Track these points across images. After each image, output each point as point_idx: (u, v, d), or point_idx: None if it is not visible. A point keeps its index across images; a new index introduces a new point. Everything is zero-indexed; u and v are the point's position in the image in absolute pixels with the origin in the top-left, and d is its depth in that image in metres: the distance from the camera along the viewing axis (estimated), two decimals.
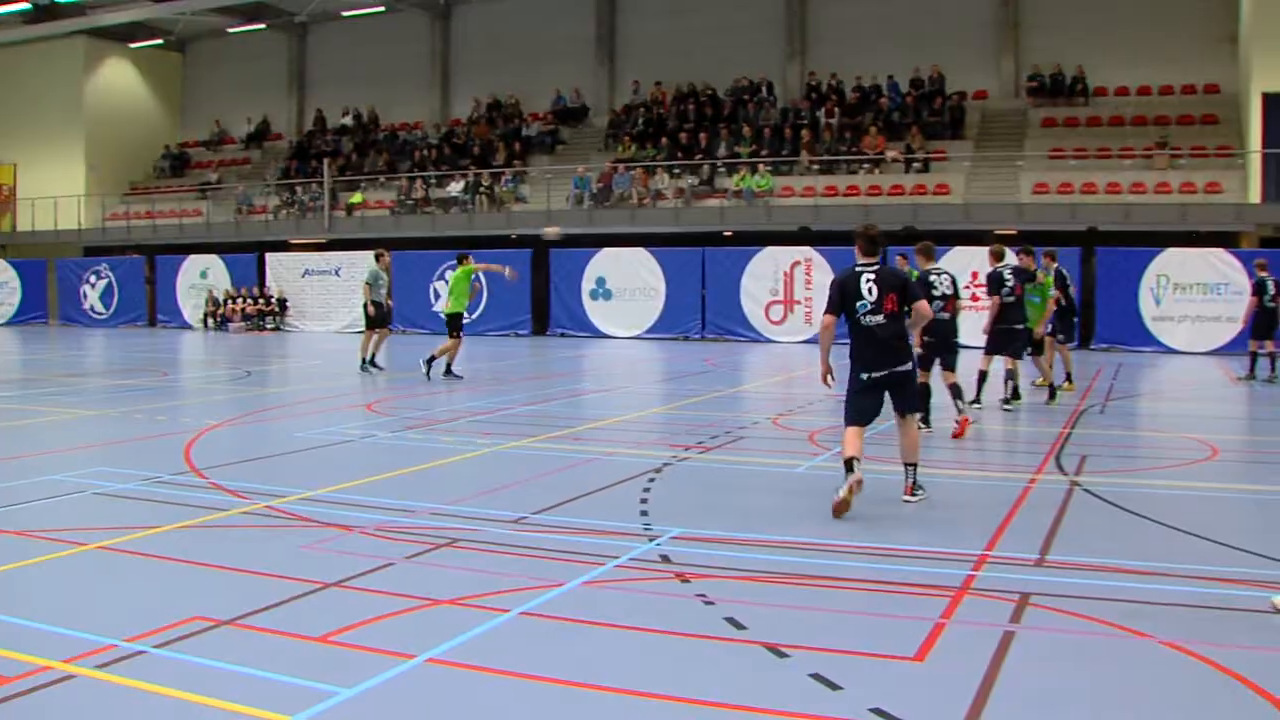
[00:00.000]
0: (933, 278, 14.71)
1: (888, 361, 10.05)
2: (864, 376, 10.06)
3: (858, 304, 10.03)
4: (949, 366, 14.81)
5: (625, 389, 20.71)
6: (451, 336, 21.59)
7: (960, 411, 14.63)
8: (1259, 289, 22.19)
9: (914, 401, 10.65)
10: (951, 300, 14.77)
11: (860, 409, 10.07)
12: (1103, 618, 6.88)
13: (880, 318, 10.03)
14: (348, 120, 48.35)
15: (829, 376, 10.23)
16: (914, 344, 11.42)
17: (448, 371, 21.47)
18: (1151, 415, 18.66)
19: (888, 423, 11.07)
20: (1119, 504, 10.32)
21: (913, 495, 10.43)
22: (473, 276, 21.89)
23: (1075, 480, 11.47)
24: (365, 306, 24.36)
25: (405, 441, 14.06)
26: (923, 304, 10.37)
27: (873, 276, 10.12)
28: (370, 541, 8.72)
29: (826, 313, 10.11)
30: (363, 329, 25.27)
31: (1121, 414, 17.69)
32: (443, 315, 22.04)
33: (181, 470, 11.82)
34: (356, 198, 42.98)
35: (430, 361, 21.44)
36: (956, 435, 14.18)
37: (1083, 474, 11.86)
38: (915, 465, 10.55)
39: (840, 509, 9.58)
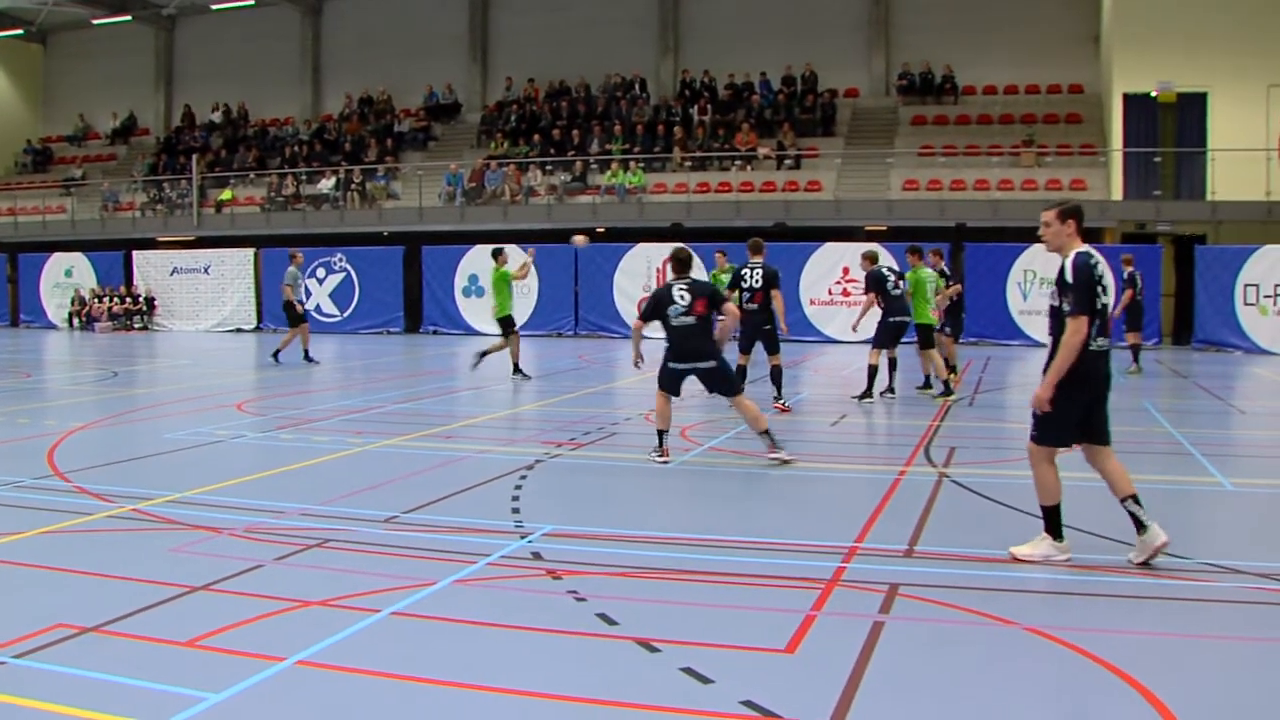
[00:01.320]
0: (745, 270, 16.60)
1: (693, 357, 12.21)
2: (672, 366, 12.36)
3: (669, 309, 12.13)
4: (772, 351, 16.67)
5: (498, 386, 20.63)
6: (505, 336, 21.31)
7: (778, 399, 16.55)
8: (1130, 283, 22.93)
9: (730, 386, 12.35)
10: (759, 293, 16.39)
11: (671, 383, 12.44)
12: (970, 606, 7.02)
13: (690, 319, 12.13)
14: (217, 116, 47.53)
15: (639, 361, 12.89)
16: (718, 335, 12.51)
17: (516, 370, 21.21)
18: (1019, 407, 18.97)
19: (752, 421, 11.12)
20: (986, 494, 10.54)
21: (777, 452, 12.01)
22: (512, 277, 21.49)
23: (944, 472, 11.67)
24: (288, 306, 25.44)
25: (276, 441, 13.87)
26: (730, 305, 12.52)
27: (685, 287, 12.24)
28: (239, 543, 8.59)
29: (640, 319, 12.65)
30: (287, 327, 26.25)
31: (990, 406, 18.04)
32: (494, 319, 21.66)
33: (45, 474, 11.54)
34: (226, 194, 42.29)
35: (482, 356, 21.49)
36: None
37: (951, 465, 12.07)
38: (766, 431, 12.11)
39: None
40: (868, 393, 17.71)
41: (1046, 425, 8.02)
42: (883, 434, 15.32)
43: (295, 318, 25.47)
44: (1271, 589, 7.52)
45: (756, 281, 16.41)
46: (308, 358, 24.87)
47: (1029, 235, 30.69)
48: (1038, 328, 30.33)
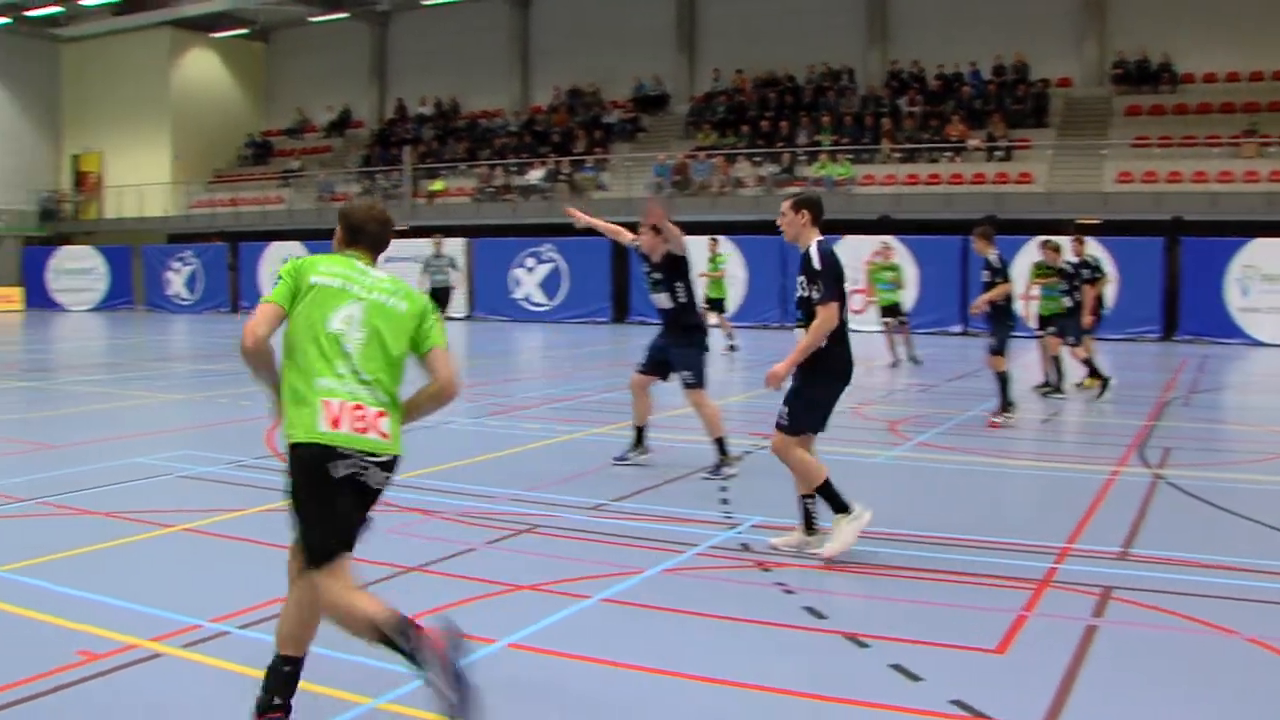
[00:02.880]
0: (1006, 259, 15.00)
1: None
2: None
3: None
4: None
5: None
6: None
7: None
8: None
9: None
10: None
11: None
12: (1187, 613, 6.81)
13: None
14: (428, 109, 48.66)
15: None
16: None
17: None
18: (1238, 408, 18.39)
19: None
20: (1204, 498, 10.18)
21: None
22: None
23: (1159, 473, 11.32)
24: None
25: (486, 428, 14.14)
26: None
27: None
28: (452, 526, 8.80)
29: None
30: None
31: (1207, 407, 17.44)
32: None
33: (265, 455, 11.97)
34: (437, 185, 43.27)
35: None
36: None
37: (1167, 467, 11.69)
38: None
39: None
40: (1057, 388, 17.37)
41: (800, 415, 8.07)
42: (1095, 432, 14.92)
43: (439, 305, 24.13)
44: None
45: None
46: None
47: (1250, 229, 29.70)
48: (1258, 325, 29.29)
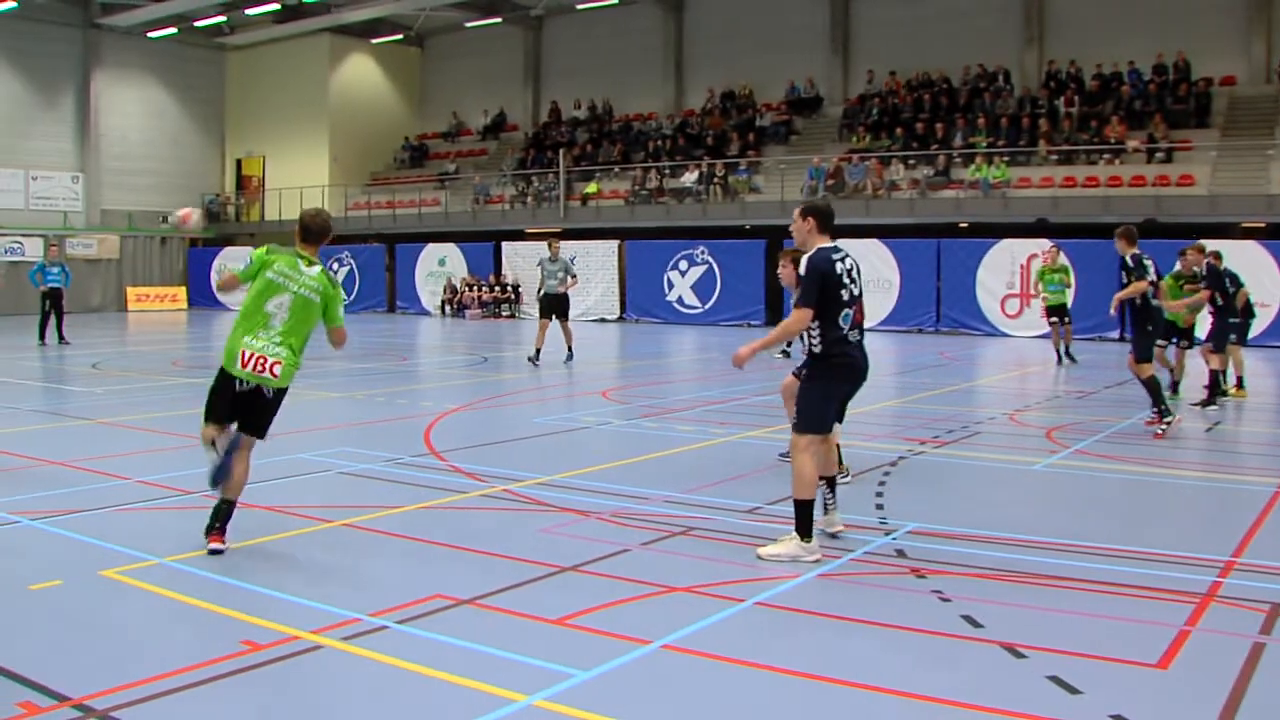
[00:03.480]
0: (1146, 260, 14.35)
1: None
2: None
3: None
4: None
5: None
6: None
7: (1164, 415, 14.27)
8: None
9: None
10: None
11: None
12: None
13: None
14: (582, 112, 49.05)
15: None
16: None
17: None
18: None
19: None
20: None
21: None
22: None
23: None
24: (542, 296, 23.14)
25: (640, 429, 14.23)
26: None
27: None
28: (606, 527, 8.87)
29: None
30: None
31: None
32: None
33: (421, 452, 12.20)
34: (592, 187, 43.59)
35: None
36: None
37: None
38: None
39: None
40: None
41: (804, 414, 8.13)
42: (1260, 443, 14.50)
43: (549, 310, 22.85)
44: None
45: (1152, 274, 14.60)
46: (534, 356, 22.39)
47: None
48: None
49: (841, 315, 8.12)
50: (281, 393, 8.26)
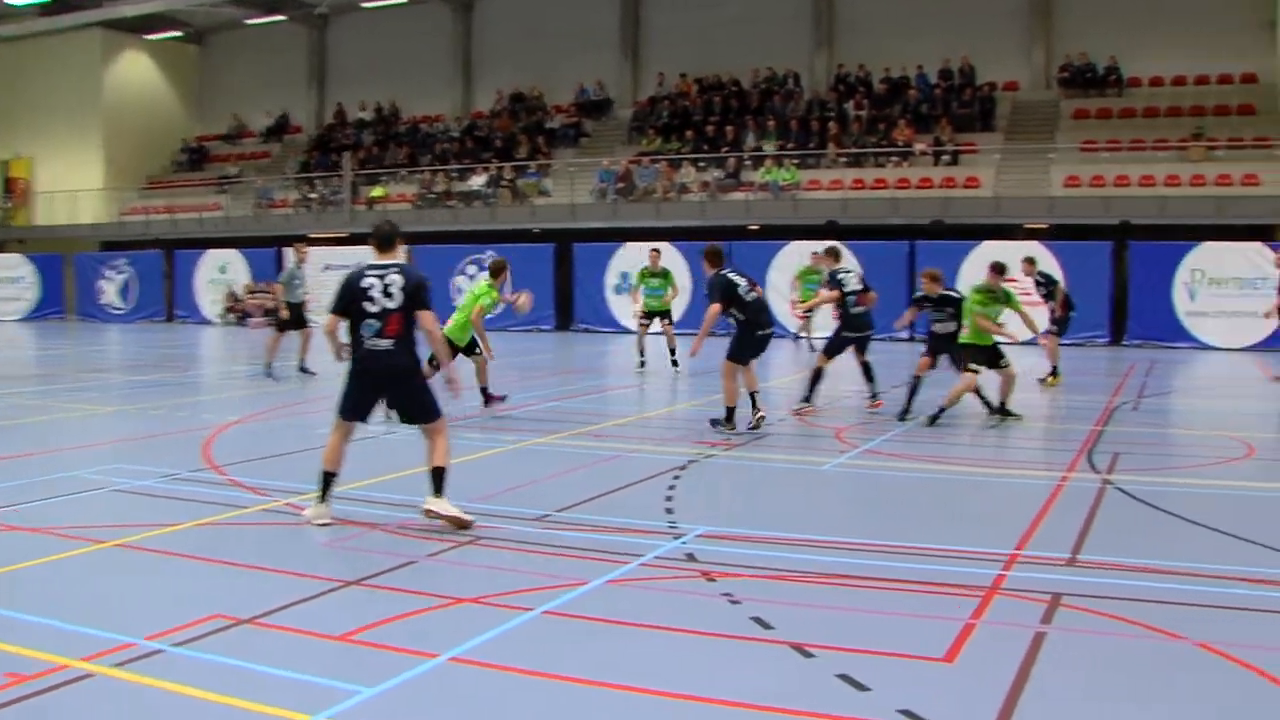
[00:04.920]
0: (841, 275, 17.00)
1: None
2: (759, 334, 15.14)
3: (739, 290, 14.87)
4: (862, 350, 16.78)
5: (650, 385, 20.73)
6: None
7: (875, 396, 16.54)
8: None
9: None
10: (862, 294, 16.66)
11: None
12: (1136, 619, 6.88)
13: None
14: (368, 114, 48.42)
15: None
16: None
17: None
18: (1186, 413, 18.62)
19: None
20: (1153, 503, 10.30)
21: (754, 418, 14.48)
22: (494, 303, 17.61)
23: (1108, 479, 11.44)
24: (278, 310, 22.93)
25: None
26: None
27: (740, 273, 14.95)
28: (392, 539, 8.76)
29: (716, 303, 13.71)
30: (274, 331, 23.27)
31: (1155, 412, 17.63)
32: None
33: (200, 467, 11.88)
34: (378, 191, 43.09)
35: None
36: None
37: (1115, 472, 11.83)
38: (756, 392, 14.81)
39: None
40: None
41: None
42: (1044, 439, 15.05)
43: (284, 322, 22.78)
44: None
45: (857, 284, 16.93)
46: (302, 369, 21.97)
47: (1197, 233, 30.05)
48: (1207, 330, 29.57)
49: (375, 325, 9.16)
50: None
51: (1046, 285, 20.59)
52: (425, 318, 9.32)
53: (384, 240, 9.59)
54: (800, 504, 10.46)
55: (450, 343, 15.50)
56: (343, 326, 9.28)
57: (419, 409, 9.39)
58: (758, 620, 6.78)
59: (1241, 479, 11.89)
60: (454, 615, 6.93)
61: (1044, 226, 32.33)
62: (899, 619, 6.93)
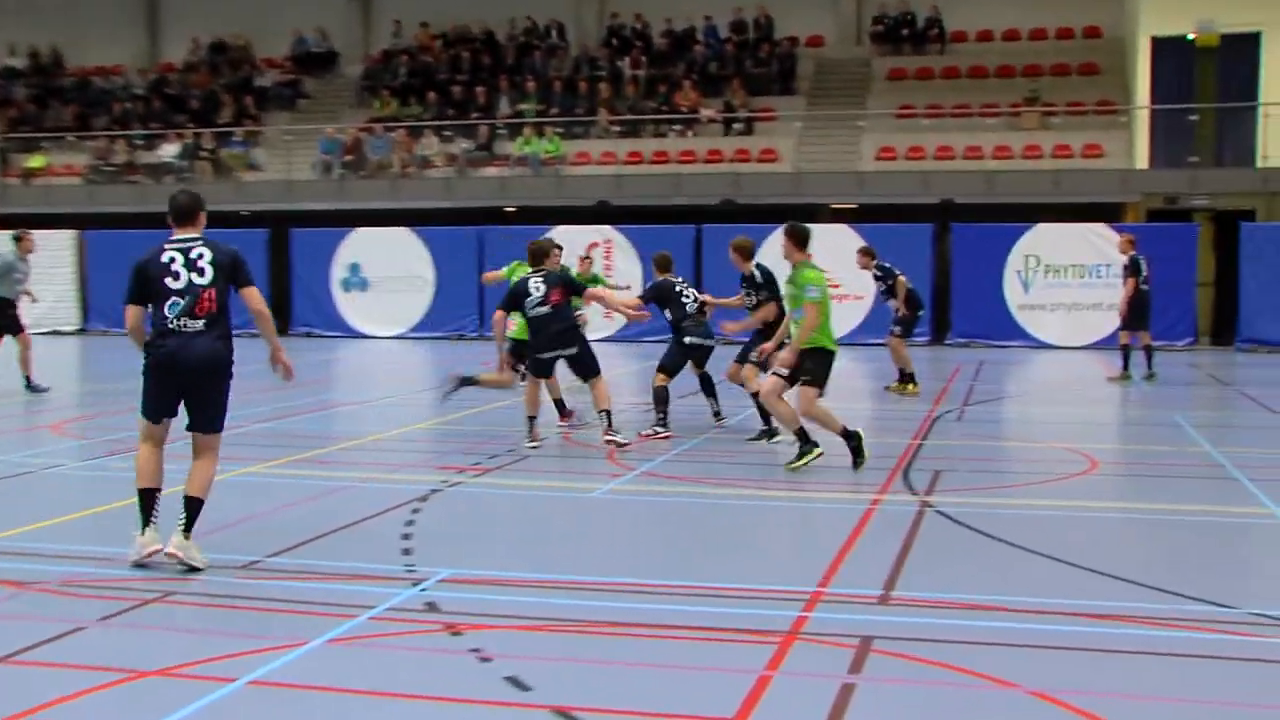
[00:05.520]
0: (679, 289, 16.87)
1: (556, 344, 15.04)
2: (538, 356, 15.15)
3: (525, 301, 14.85)
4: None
5: (385, 400, 20.59)
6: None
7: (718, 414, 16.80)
8: (1133, 270, 22.62)
9: (588, 369, 15.20)
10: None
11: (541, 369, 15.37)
12: (959, 663, 7.04)
13: (546, 308, 14.79)
14: (19, 61, 46.80)
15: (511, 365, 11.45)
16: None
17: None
18: (1019, 422, 19.23)
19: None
20: (979, 528, 10.59)
21: (613, 435, 14.82)
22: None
23: (927, 501, 11.73)
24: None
25: (104, 471, 13.69)
26: (597, 290, 15.92)
27: (540, 278, 14.98)
28: (53, 600, 8.47)
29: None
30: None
31: (983, 421, 18.18)
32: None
33: None
34: (36, 161, 41.77)
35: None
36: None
37: (936, 493, 12.14)
38: (608, 412, 14.98)
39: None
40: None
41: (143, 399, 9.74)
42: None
43: (11, 324, 21.30)
44: None
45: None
46: (31, 386, 20.87)
47: (1032, 213, 31.01)
48: (1043, 326, 30.50)
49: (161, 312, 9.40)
50: None
51: (885, 280, 21.12)
52: (252, 296, 9.57)
53: (182, 212, 9.61)
54: (565, 539, 10.47)
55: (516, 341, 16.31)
56: (142, 317, 9.50)
57: (208, 415, 9.61)
58: (513, 681, 6.76)
59: (1080, 498, 12.31)
60: (136, 692, 6.73)
61: (853, 206, 32.97)
62: (682, 673, 6.97)
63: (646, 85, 38.86)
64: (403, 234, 34.90)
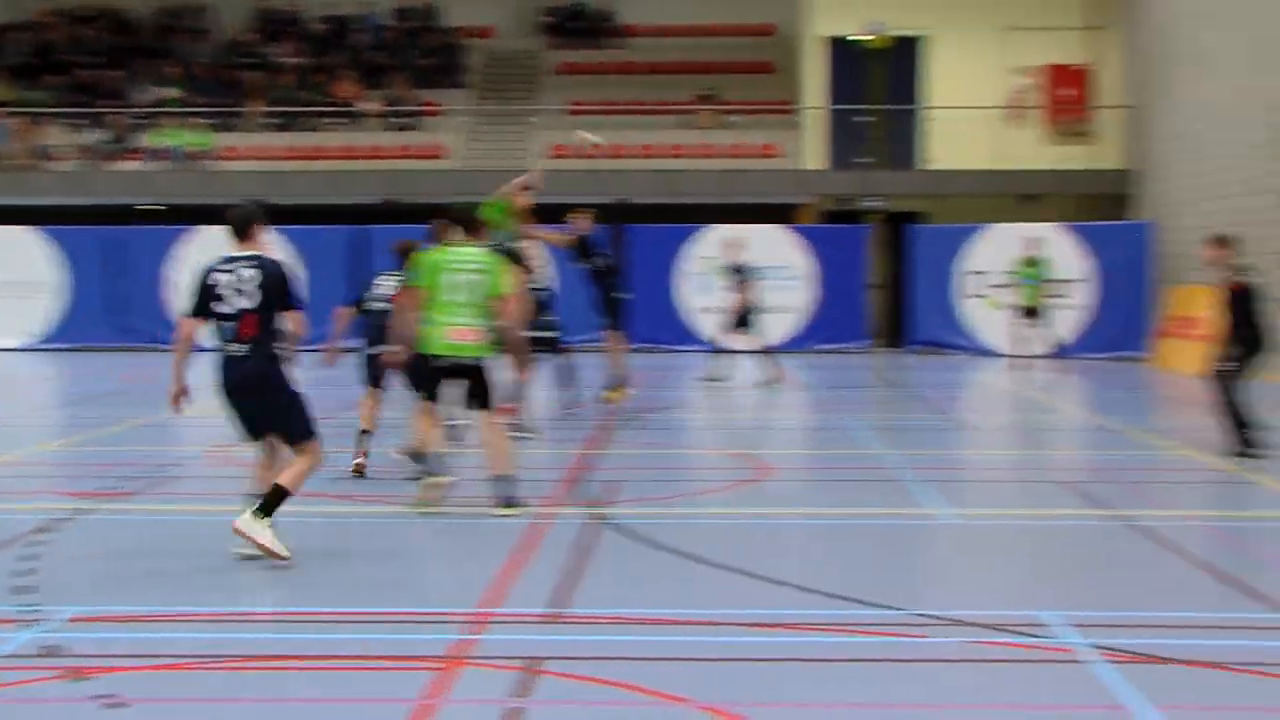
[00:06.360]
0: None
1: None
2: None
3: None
4: None
5: (2, 420, 19.92)
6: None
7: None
8: (744, 275, 23.73)
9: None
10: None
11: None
12: (633, 681, 7.05)
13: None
14: None
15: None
16: None
17: None
18: (694, 429, 19.56)
19: None
20: (652, 539, 10.71)
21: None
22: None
23: (600, 513, 11.82)
24: None
25: None
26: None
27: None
28: None
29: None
30: None
31: (658, 429, 18.42)
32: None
33: None
34: None
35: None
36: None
37: (609, 505, 12.25)
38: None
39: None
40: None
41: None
42: (525, 466, 15.23)
43: None
44: (1002, 642, 7.90)
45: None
46: None
47: (709, 214, 31.53)
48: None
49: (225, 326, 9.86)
50: None
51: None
52: (292, 320, 9.99)
53: (238, 226, 10.08)
54: (211, 568, 10.18)
55: None
56: (198, 330, 10.06)
57: (284, 424, 10.07)
58: None
59: (753, 505, 12.75)
60: None
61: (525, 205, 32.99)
62: (337, 707, 6.87)
63: (302, 75, 38.36)
64: (24, 234, 33.54)
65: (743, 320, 23.53)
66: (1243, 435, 14.78)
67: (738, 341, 23.67)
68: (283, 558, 9.62)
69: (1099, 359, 29.45)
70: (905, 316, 32.57)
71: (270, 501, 9.77)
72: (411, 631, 8.11)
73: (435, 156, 35.42)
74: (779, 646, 7.82)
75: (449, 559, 10.57)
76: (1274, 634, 8.41)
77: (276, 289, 9.86)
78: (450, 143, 35.82)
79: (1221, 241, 15.39)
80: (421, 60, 38.62)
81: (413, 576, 9.79)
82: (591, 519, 11.56)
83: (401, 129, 36.44)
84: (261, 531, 9.66)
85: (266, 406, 10.00)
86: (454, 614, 8.43)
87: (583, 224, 20.80)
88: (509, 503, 11.61)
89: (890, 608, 8.54)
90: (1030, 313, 28.19)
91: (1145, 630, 8.15)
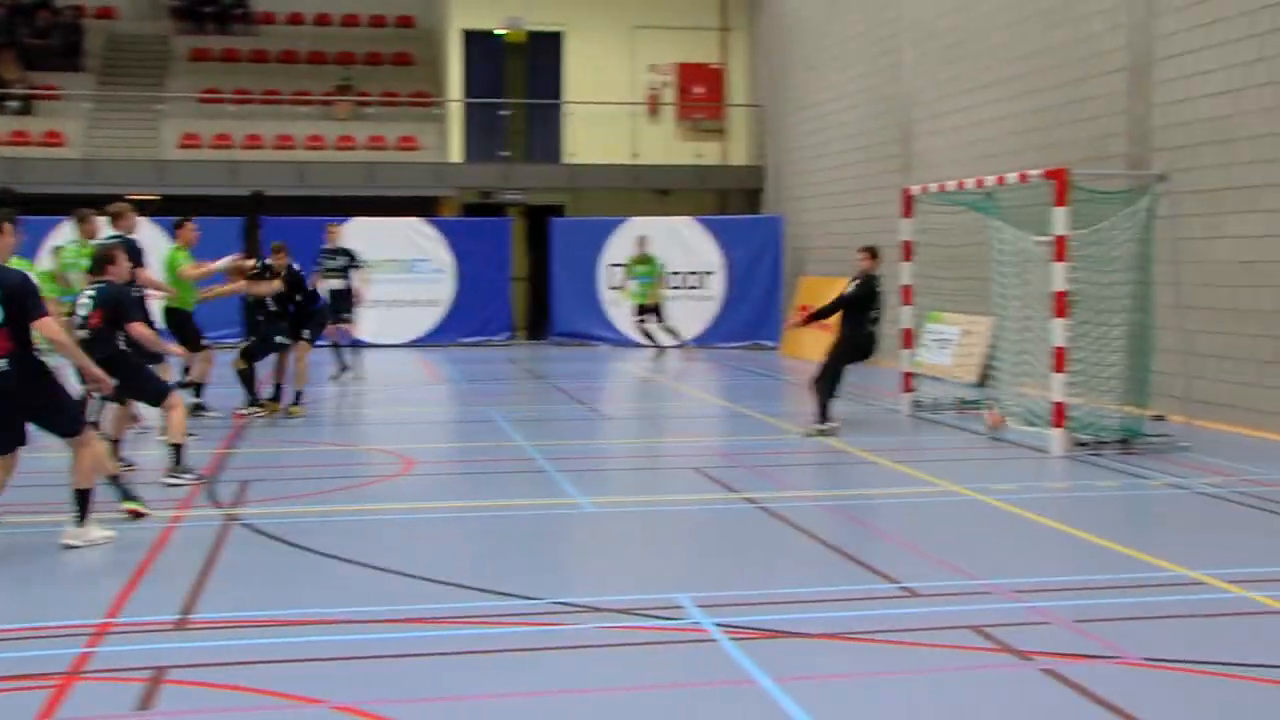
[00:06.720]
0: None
1: None
2: None
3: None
4: None
5: None
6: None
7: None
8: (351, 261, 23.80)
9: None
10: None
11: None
12: (264, 686, 6.96)
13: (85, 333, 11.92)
14: None
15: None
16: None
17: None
18: (335, 425, 19.38)
19: None
20: (289, 539, 10.59)
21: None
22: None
23: (232, 513, 11.61)
24: None
25: None
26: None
27: (92, 293, 12.06)
28: None
29: None
30: None
31: (296, 425, 18.12)
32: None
33: None
34: None
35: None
36: None
37: (242, 505, 12.05)
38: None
39: None
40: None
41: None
42: (148, 469, 14.71)
43: None
44: (641, 626, 8.13)
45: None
46: None
47: (345, 206, 31.24)
48: (362, 323, 30.67)
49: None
50: None
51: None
52: (45, 327, 9.70)
53: None
54: None
55: None
56: None
57: (56, 420, 10.16)
58: None
59: (395, 500, 12.78)
60: None
61: (155, 197, 32.17)
62: None
63: None
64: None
65: (345, 309, 23.23)
66: (823, 412, 16.24)
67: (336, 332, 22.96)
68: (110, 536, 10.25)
69: (733, 348, 30.39)
70: (549, 309, 32.99)
71: (82, 509, 10.11)
72: (23, 649, 7.74)
73: (54, 144, 34.13)
74: (419, 642, 7.76)
75: (71, 570, 10.11)
76: (885, 603, 8.84)
77: None
78: (70, 130, 34.57)
79: (873, 252, 16.96)
80: (35, 40, 37.20)
81: (34, 590, 9.34)
82: (225, 520, 11.34)
83: (15, 114, 35.01)
84: (89, 532, 10.08)
85: (28, 407, 9.96)
86: (74, 626, 8.11)
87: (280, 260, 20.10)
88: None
89: (532, 598, 8.66)
90: (647, 310, 29.14)
91: (769, 607, 8.56)
